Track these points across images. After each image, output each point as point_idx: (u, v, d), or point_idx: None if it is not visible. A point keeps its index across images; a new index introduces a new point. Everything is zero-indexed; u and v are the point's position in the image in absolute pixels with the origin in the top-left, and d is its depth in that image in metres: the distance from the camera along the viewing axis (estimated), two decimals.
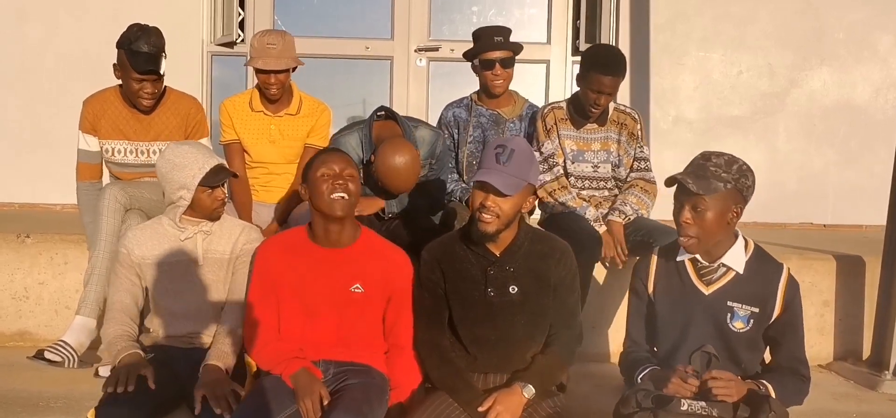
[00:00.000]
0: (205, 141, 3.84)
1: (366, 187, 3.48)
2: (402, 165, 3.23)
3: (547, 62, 5.74)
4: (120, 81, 3.68)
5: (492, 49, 3.88)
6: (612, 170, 3.85)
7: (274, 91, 3.75)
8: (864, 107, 5.72)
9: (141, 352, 2.82)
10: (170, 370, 2.81)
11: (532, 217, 3.94)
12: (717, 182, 2.49)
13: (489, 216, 2.63)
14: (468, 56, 3.98)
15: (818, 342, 4.05)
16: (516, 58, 4.01)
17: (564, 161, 3.85)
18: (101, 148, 3.75)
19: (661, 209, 5.59)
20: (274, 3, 5.69)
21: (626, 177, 3.85)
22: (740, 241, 2.64)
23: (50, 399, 3.18)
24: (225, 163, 3.04)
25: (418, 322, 2.84)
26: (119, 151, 3.75)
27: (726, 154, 2.58)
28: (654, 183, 3.84)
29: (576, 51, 5.64)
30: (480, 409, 2.62)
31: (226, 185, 3.05)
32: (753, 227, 5.10)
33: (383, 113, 3.60)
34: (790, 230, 5.52)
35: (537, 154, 3.78)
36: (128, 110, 3.72)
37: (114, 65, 3.64)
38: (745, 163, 2.56)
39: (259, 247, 2.96)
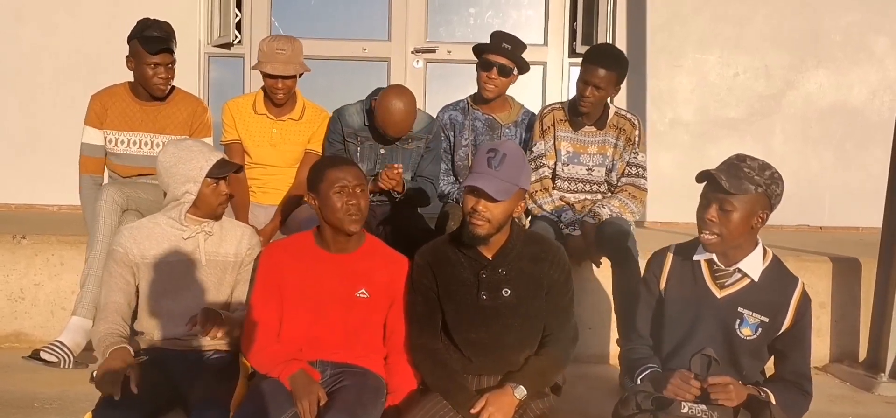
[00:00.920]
0: (208, 141, 3.88)
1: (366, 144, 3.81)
2: (402, 106, 3.55)
3: (544, 64, 5.75)
4: (131, 78, 3.76)
5: (496, 53, 3.91)
6: (606, 174, 3.84)
7: (281, 96, 3.80)
8: (860, 109, 5.74)
9: (129, 349, 2.74)
10: (165, 372, 2.79)
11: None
12: (748, 184, 2.47)
13: (480, 220, 2.63)
14: (476, 51, 4.01)
15: (814, 344, 3.98)
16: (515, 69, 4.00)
17: (557, 162, 3.84)
18: (105, 140, 3.78)
19: (659, 211, 5.65)
20: (271, 4, 5.70)
21: (617, 182, 3.84)
22: (759, 249, 2.61)
23: (45, 400, 3.18)
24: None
25: (411, 326, 2.82)
26: (122, 142, 3.78)
27: (760, 159, 2.56)
28: (644, 190, 3.80)
29: (573, 52, 5.64)
30: (472, 410, 2.62)
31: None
32: None
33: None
34: (786, 232, 5.53)
35: (527, 153, 3.78)
36: (136, 103, 3.78)
37: (126, 57, 3.71)
38: (777, 172, 2.54)
39: (264, 250, 2.96)
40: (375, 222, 3.70)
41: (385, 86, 3.90)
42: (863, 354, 4.03)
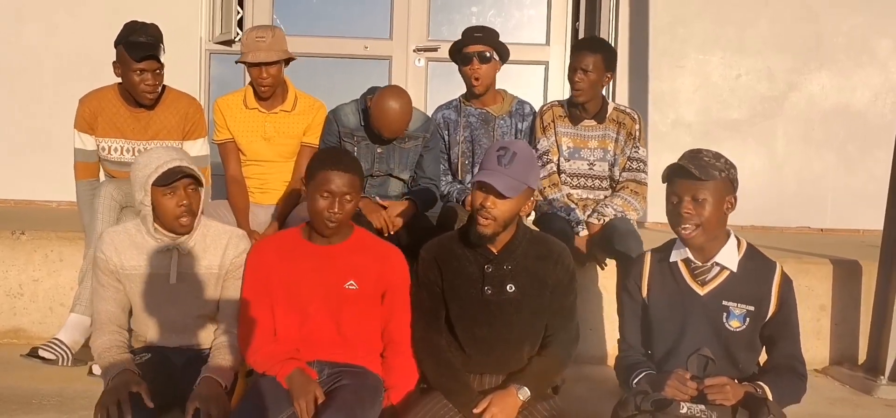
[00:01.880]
0: (202, 141, 3.85)
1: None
2: (397, 107, 3.55)
3: (546, 63, 5.74)
4: (119, 80, 3.68)
5: (470, 44, 3.91)
6: (609, 169, 3.84)
7: (266, 85, 3.72)
8: (862, 112, 5.72)
9: (134, 370, 2.65)
10: (166, 370, 2.77)
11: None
12: (713, 170, 2.56)
13: (488, 217, 2.64)
14: (451, 54, 4.01)
15: (814, 346, 4.05)
16: (511, 59, 4.03)
17: (559, 158, 3.85)
18: (98, 146, 3.74)
19: (660, 212, 5.62)
20: (273, 1, 5.70)
21: (619, 177, 3.84)
22: (733, 240, 2.65)
23: (43, 397, 3.18)
24: (189, 165, 2.75)
25: (416, 321, 2.83)
26: (115, 149, 3.73)
27: (711, 150, 2.67)
28: (645, 184, 3.81)
29: None
30: (475, 411, 2.62)
31: (202, 194, 2.83)
32: (751, 231, 5.10)
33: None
34: (788, 234, 5.52)
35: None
36: (126, 109, 3.71)
37: (113, 63, 3.63)
38: (728, 158, 2.64)
39: (252, 248, 2.92)
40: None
41: (384, 84, 3.89)
42: (863, 357, 4.02)
